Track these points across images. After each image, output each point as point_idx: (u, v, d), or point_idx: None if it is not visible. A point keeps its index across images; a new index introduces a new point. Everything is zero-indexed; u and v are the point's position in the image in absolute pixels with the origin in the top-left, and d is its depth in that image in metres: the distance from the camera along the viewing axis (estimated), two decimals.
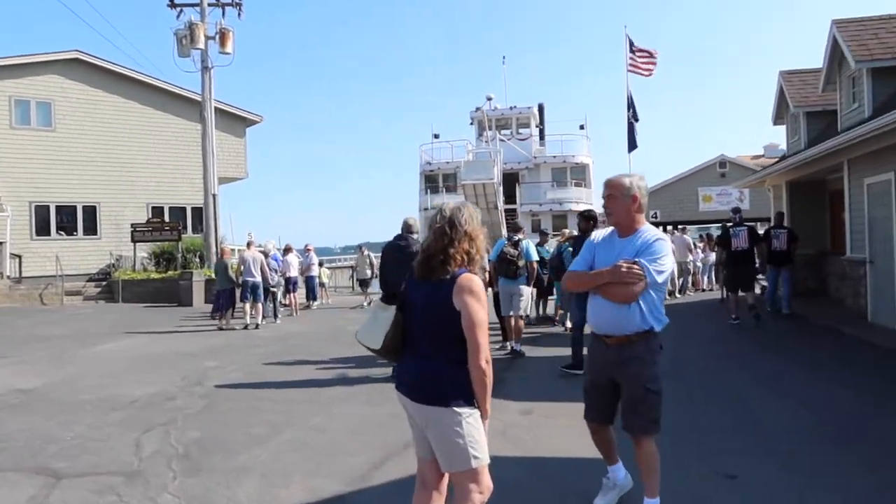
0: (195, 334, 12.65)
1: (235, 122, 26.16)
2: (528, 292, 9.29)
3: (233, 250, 13.67)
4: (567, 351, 7.94)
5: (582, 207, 34.45)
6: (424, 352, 2.82)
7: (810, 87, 14.47)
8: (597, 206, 8.11)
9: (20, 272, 20.94)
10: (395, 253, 7.56)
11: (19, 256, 21.04)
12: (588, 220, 7.77)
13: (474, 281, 2.76)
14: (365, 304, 17.15)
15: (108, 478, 4.43)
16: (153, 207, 24.07)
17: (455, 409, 2.69)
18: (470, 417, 2.72)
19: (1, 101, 21.55)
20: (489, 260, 9.00)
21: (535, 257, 9.36)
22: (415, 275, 2.93)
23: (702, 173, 28.32)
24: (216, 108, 21.91)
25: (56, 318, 15.97)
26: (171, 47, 20.51)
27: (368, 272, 17.91)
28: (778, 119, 16.16)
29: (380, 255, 8.15)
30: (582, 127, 36.70)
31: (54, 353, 10.37)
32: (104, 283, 21.74)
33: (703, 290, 18.27)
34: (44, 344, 11.43)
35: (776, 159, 18.92)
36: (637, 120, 26.17)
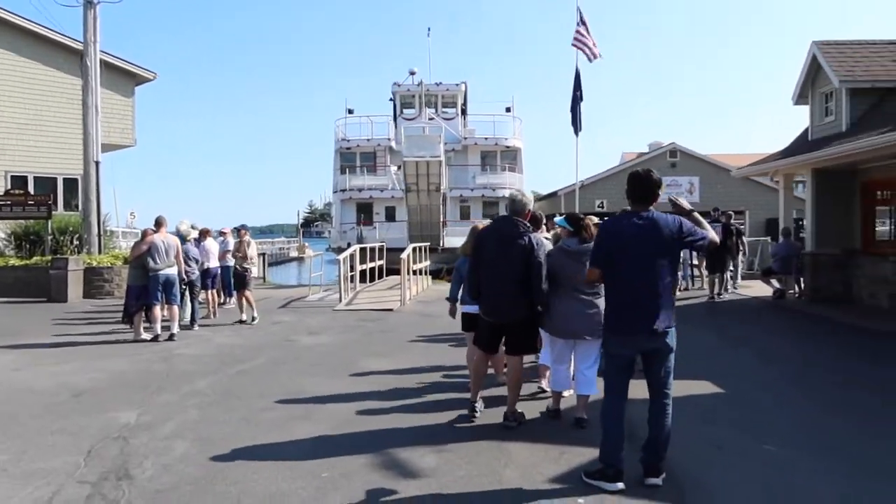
0: (84, 350, 8.88)
1: (122, 77, 21.68)
2: None
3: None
4: None
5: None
6: None
7: (853, 60, 12.52)
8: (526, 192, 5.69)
9: None
10: (501, 248, 4.89)
11: None
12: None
13: None
14: (245, 317, 11.37)
15: None
16: (13, 177, 19.38)
17: None
18: None
19: None
20: None
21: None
22: None
23: (652, 162, 26.73)
24: (101, 60, 17.55)
25: None
26: None
27: (248, 265, 11.75)
28: (801, 98, 14.14)
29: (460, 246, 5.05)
30: (508, 109, 34.38)
31: None
32: None
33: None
34: None
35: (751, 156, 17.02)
36: (582, 99, 24.49)
